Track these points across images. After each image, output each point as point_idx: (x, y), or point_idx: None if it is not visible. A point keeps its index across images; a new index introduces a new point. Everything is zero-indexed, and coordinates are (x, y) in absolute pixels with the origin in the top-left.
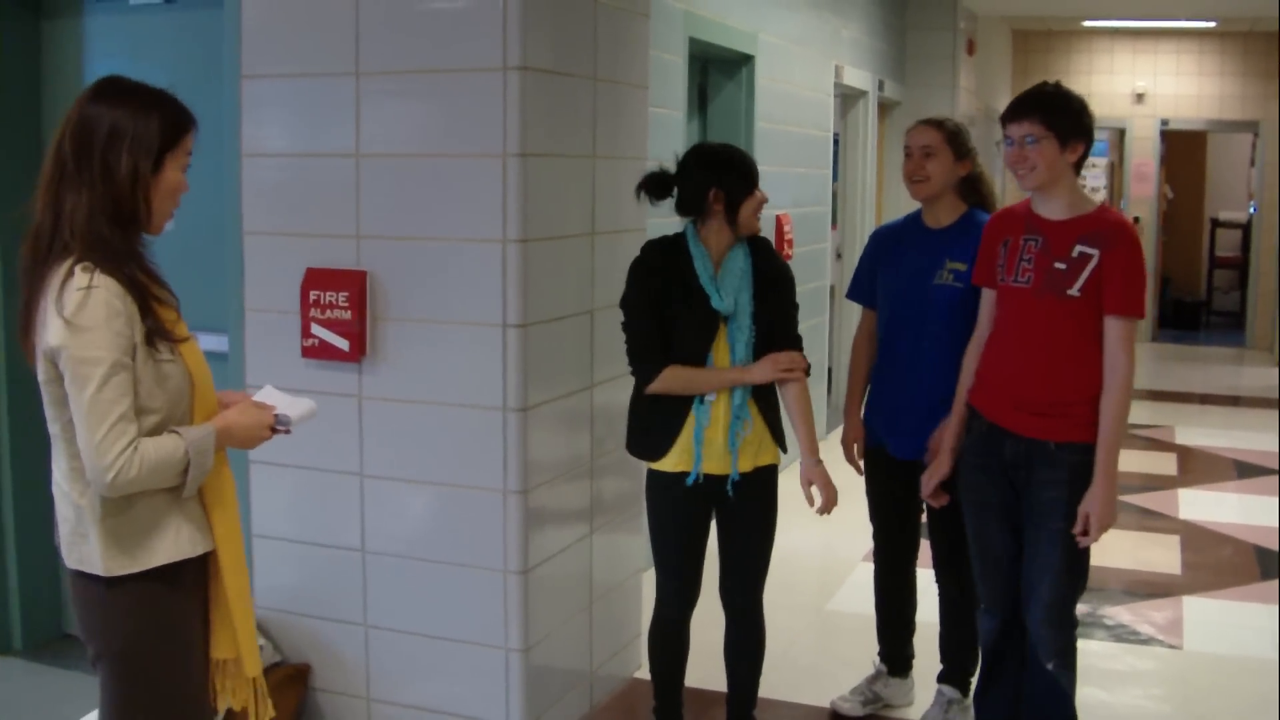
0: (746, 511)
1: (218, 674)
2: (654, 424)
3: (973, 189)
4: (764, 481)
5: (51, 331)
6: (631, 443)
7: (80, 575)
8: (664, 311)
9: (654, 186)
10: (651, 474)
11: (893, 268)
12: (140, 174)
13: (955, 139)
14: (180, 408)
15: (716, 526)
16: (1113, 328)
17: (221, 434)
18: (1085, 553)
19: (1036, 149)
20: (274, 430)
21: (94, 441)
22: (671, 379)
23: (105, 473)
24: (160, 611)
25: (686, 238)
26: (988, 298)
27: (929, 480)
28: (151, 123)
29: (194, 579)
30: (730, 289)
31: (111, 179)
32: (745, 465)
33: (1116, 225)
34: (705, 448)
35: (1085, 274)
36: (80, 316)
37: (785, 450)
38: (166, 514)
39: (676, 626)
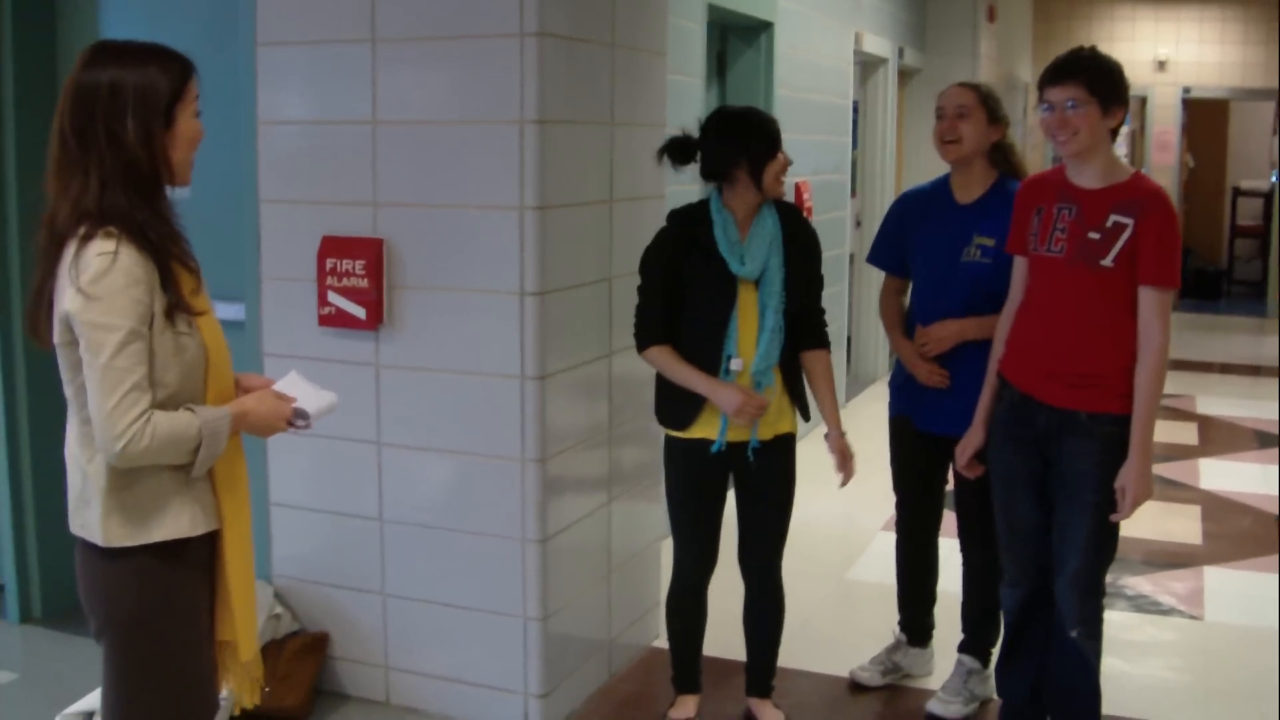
0: (764, 479)
1: (221, 654)
2: (680, 392)
3: (1003, 157)
4: (781, 449)
5: (69, 297)
6: (659, 411)
7: (84, 544)
8: (682, 277)
9: (676, 152)
10: (670, 440)
11: (920, 249)
12: (153, 134)
13: (990, 101)
14: (193, 384)
15: (735, 495)
16: (1147, 298)
17: (237, 419)
18: (1115, 525)
19: (1079, 114)
20: (292, 424)
21: (106, 409)
22: (658, 357)
23: (115, 441)
24: (162, 586)
25: (710, 203)
26: (1020, 265)
27: (963, 451)
28: (151, 78)
29: (201, 557)
30: (759, 253)
31: (120, 145)
32: (764, 433)
33: (1151, 194)
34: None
35: (1119, 244)
36: (100, 283)
37: (807, 419)
38: (172, 492)
39: (694, 594)
